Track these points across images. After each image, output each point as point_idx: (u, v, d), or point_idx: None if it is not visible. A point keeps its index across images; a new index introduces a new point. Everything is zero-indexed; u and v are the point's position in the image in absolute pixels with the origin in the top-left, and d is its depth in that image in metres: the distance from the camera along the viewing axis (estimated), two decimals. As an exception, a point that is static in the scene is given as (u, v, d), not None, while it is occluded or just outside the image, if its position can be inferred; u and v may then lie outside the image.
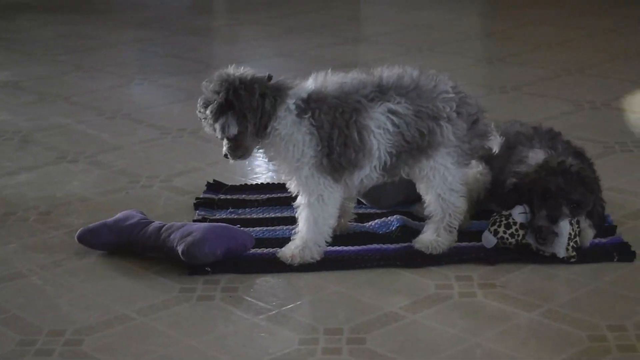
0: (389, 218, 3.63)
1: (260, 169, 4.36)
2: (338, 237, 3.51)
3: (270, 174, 4.28)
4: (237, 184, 4.13)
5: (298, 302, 3.17)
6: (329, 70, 3.36)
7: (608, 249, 3.41)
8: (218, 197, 3.97)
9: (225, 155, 3.35)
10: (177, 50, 6.71)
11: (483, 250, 3.40)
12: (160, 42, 7.04)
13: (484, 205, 3.67)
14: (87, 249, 3.55)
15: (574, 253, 3.33)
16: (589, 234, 3.40)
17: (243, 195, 3.98)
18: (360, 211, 3.75)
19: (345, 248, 3.47)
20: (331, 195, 3.33)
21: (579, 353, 2.82)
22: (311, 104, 3.27)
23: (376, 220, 3.64)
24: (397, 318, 3.05)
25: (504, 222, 3.37)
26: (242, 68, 3.32)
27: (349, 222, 3.62)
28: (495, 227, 3.37)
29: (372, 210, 3.76)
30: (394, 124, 3.28)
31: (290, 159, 3.29)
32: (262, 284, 3.29)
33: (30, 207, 3.99)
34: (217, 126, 3.24)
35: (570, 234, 3.32)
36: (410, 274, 3.32)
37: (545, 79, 5.68)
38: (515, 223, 3.36)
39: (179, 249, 3.31)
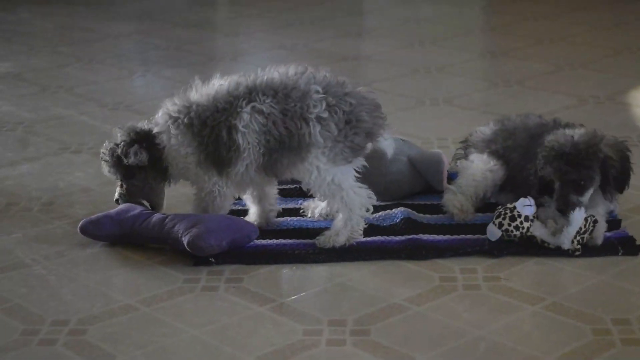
0: (393, 210, 3.63)
1: (263, 161, 4.34)
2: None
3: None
4: (240, 175, 4.11)
5: (302, 294, 3.16)
6: (211, 80, 3.53)
7: (613, 243, 3.40)
8: (221, 188, 3.96)
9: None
10: (178, 43, 6.70)
11: (488, 243, 3.39)
12: (162, 34, 7.03)
13: (494, 199, 3.68)
14: (90, 239, 3.54)
15: (579, 246, 3.32)
16: (601, 229, 3.39)
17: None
18: (364, 203, 3.75)
19: (349, 240, 3.47)
20: (220, 190, 3.47)
21: (583, 347, 2.81)
22: (181, 112, 3.44)
23: (380, 213, 3.63)
24: (402, 310, 3.04)
25: (509, 214, 3.36)
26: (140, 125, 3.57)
27: (275, 217, 3.66)
28: (500, 219, 3.37)
29: (376, 203, 3.74)
30: (259, 123, 3.32)
31: (180, 165, 3.48)
32: (266, 275, 3.29)
33: (33, 197, 3.99)
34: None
35: (580, 228, 3.31)
36: (414, 266, 3.32)
37: (548, 73, 5.67)
38: (520, 215, 3.35)
39: (184, 240, 3.31)
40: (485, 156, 3.67)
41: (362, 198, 3.41)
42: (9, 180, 4.20)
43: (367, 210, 3.43)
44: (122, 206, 3.59)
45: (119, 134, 3.60)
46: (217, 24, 7.68)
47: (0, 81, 5.78)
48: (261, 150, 3.35)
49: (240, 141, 3.34)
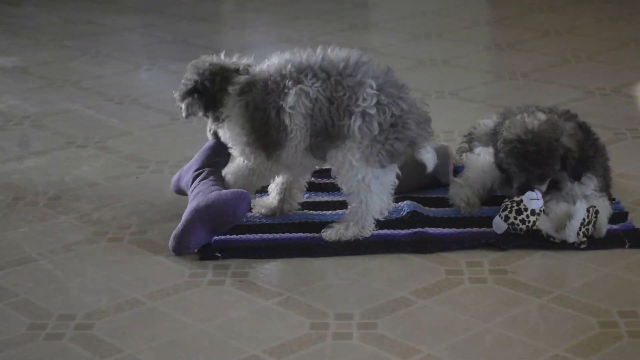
0: (399, 204, 3.62)
1: (269, 154, 4.34)
2: (348, 223, 3.52)
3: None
4: (247, 169, 4.12)
5: (308, 287, 3.17)
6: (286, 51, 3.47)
7: (619, 236, 3.40)
8: (227, 182, 3.97)
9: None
10: (184, 36, 6.70)
11: (494, 236, 3.39)
12: (168, 27, 7.02)
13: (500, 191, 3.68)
14: (97, 234, 3.56)
15: (585, 239, 3.32)
16: (603, 221, 3.39)
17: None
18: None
19: (355, 233, 3.47)
20: (262, 171, 3.49)
21: (590, 339, 2.81)
22: (245, 88, 3.42)
23: (386, 206, 3.63)
24: (408, 303, 3.04)
25: (515, 207, 3.36)
26: (222, 56, 3.60)
27: (297, 209, 3.65)
28: (506, 212, 3.37)
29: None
30: (305, 106, 3.31)
31: (233, 138, 3.49)
32: (272, 269, 3.29)
33: (39, 192, 3.99)
34: (183, 105, 3.60)
35: (584, 219, 3.31)
36: (420, 260, 3.32)
37: (554, 65, 5.66)
38: (526, 209, 3.35)
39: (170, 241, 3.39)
40: (490, 149, 3.67)
41: (384, 204, 3.40)
42: (15, 174, 4.21)
43: (382, 215, 3.42)
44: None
45: (203, 68, 3.58)
46: (223, 17, 7.68)
47: (6, 75, 5.79)
48: (308, 132, 3.33)
49: (288, 122, 3.32)
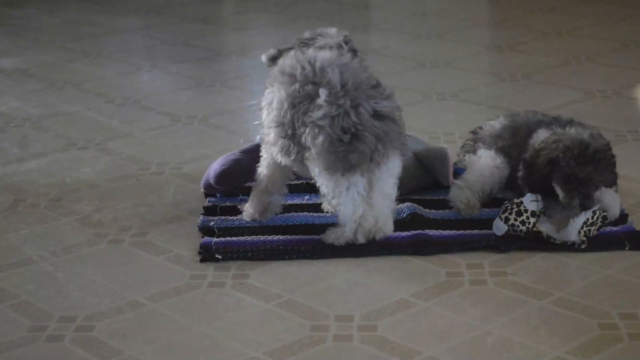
0: (399, 205, 3.62)
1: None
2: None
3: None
4: (247, 171, 4.12)
5: (309, 289, 3.17)
6: None
7: (619, 237, 3.40)
8: (228, 184, 3.97)
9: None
10: (185, 38, 6.70)
11: (494, 238, 3.39)
12: (169, 29, 7.03)
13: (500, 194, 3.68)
14: (97, 235, 3.56)
15: (585, 239, 3.32)
16: (615, 200, 3.43)
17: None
18: (371, 199, 3.75)
19: (355, 235, 3.47)
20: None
21: (590, 341, 2.82)
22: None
23: (387, 208, 3.63)
24: (408, 305, 3.04)
25: (515, 209, 3.36)
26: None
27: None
28: (506, 214, 3.37)
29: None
30: (276, 110, 3.34)
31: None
32: (272, 271, 3.30)
33: (40, 193, 3.99)
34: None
35: (587, 219, 3.31)
36: (420, 262, 3.32)
37: (555, 67, 5.66)
38: (526, 211, 3.35)
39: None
40: (492, 152, 3.67)
41: (358, 210, 3.33)
42: (16, 176, 4.21)
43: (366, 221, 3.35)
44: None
45: None
46: (224, 19, 7.68)
47: (7, 77, 5.79)
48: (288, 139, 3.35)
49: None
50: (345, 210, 3.33)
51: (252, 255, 3.37)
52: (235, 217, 3.63)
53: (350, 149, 3.20)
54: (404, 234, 3.46)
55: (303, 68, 3.28)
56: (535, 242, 3.37)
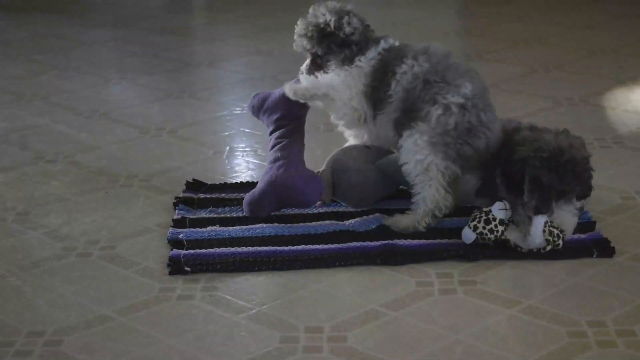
0: (369, 216, 3.63)
1: (240, 167, 4.35)
2: (318, 236, 3.52)
3: (250, 172, 4.27)
4: (217, 182, 4.11)
5: (278, 301, 3.16)
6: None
7: (587, 245, 3.42)
8: (198, 196, 3.96)
9: (301, 71, 3.89)
10: (154, 50, 6.68)
11: (463, 247, 3.40)
12: (138, 41, 7.01)
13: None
14: (66, 249, 3.54)
15: (550, 238, 3.33)
16: (571, 222, 3.42)
17: (223, 194, 3.96)
18: (341, 210, 3.76)
19: (325, 246, 3.46)
20: (361, 118, 3.75)
21: (559, 349, 2.83)
22: (385, 54, 3.67)
23: (356, 219, 3.64)
24: (378, 315, 3.05)
25: (484, 217, 3.37)
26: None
27: None
28: (474, 222, 3.38)
29: (352, 209, 3.76)
30: (407, 80, 3.57)
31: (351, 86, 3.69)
32: (242, 283, 3.29)
33: (8, 207, 3.96)
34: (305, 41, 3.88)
35: (547, 221, 3.34)
36: (390, 272, 3.32)
37: (522, 75, 5.69)
38: (494, 219, 3.37)
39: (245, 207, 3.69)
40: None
41: (440, 198, 3.53)
42: (-17, 190, 4.18)
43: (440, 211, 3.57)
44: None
45: (322, 11, 3.83)
46: (193, 30, 7.67)
47: (-26, 90, 5.76)
48: (400, 106, 3.59)
49: (393, 87, 3.60)
50: (426, 194, 3.52)
51: (221, 267, 3.36)
52: (204, 229, 3.62)
53: (467, 142, 3.51)
54: (373, 244, 3.46)
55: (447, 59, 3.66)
56: (504, 250, 3.38)
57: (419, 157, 3.51)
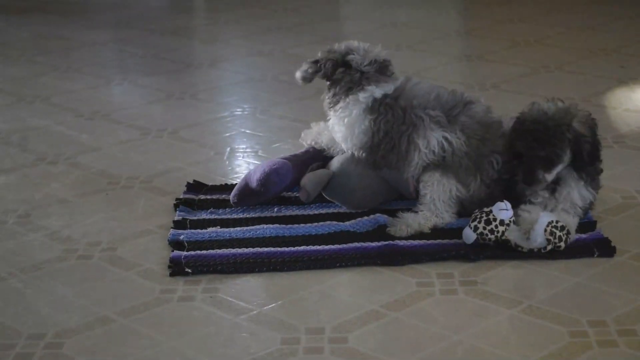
0: (369, 217, 3.63)
1: (241, 168, 4.35)
2: (319, 237, 3.52)
3: (250, 173, 4.27)
4: (218, 184, 4.11)
5: (279, 302, 3.16)
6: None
7: (588, 245, 3.41)
8: (198, 197, 3.96)
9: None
10: (155, 50, 6.69)
11: (464, 248, 3.40)
12: (139, 42, 7.01)
13: None
14: (67, 251, 3.54)
15: (551, 238, 3.33)
16: (571, 223, 3.42)
17: (223, 195, 3.96)
18: (341, 211, 3.76)
19: (326, 247, 3.46)
20: None
21: (560, 349, 2.83)
22: (380, 108, 3.63)
23: (357, 219, 3.64)
24: (379, 316, 3.04)
25: (484, 218, 3.37)
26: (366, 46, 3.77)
27: None
28: (475, 223, 3.38)
29: (352, 210, 3.76)
30: (443, 149, 3.57)
31: (341, 140, 3.73)
32: (242, 284, 3.29)
33: (9, 209, 3.96)
34: (305, 66, 3.76)
35: (552, 221, 3.34)
36: (391, 272, 3.32)
37: (523, 76, 5.69)
38: (495, 219, 3.36)
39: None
40: None
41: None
42: (-15, 192, 4.19)
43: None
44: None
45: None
46: (194, 31, 7.67)
47: (-24, 92, 5.77)
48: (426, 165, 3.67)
49: (415, 157, 3.63)
50: (436, 192, 3.57)
51: (222, 268, 3.36)
52: (205, 230, 3.62)
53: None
54: (374, 244, 3.46)
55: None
56: (505, 250, 3.38)
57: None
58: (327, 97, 3.77)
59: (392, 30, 7.16)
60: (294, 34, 7.06)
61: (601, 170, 3.60)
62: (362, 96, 3.64)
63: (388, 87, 3.67)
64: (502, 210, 3.37)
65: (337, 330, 2.96)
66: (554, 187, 3.50)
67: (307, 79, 3.75)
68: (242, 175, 4.17)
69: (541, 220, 3.35)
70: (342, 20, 7.99)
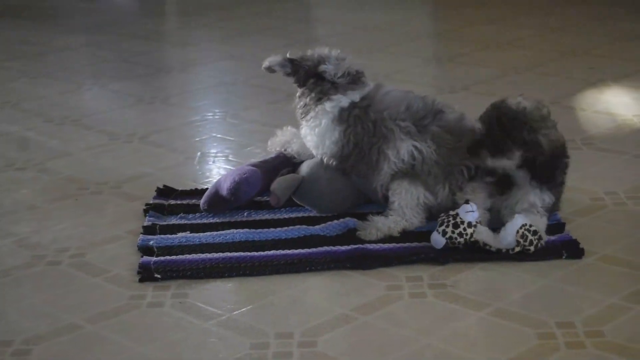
0: (339, 220, 3.64)
1: (211, 173, 4.34)
2: (289, 241, 3.52)
3: (220, 178, 4.26)
4: (188, 188, 4.10)
5: (249, 307, 3.16)
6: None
7: (557, 247, 3.43)
8: (168, 202, 3.95)
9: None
10: (127, 55, 6.67)
11: (433, 251, 3.41)
12: (110, 47, 6.99)
13: None
14: (35, 257, 3.53)
15: (521, 240, 3.34)
16: (540, 223, 3.44)
17: (193, 200, 3.95)
18: (311, 215, 3.76)
19: (295, 251, 3.46)
20: None
21: (528, 351, 2.83)
22: (349, 119, 3.64)
23: (327, 223, 3.64)
24: (348, 320, 3.05)
25: (452, 221, 3.38)
26: (334, 57, 3.76)
27: None
28: (443, 227, 3.39)
29: (322, 214, 3.76)
30: (413, 158, 3.57)
31: (313, 148, 3.74)
32: (212, 290, 3.28)
33: (-23, 216, 3.95)
34: (279, 60, 3.78)
35: (526, 224, 3.35)
36: (360, 276, 3.33)
37: (494, 77, 5.71)
38: (462, 222, 3.37)
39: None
40: None
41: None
42: (-47, 199, 4.16)
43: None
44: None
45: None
46: (166, 35, 7.66)
47: (-55, 98, 5.73)
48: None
49: (384, 167, 3.64)
50: (404, 200, 3.56)
51: (192, 273, 3.35)
52: (174, 236, 3.61)
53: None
54: (344, 248, 3.46)
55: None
56: (474, 253, 3.39)
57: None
58: (298, 107, 3.77)
59: (363, 33, 7.18)
60: (265, 38, 7.06)
61: (562, 183, 3.59)
62: (329, 106, 3.66)
63: (354, 95, 3.67)
64: (469, 212, 3.38)
65: (306, 335, 2.96)
66: (504, 188, 3.52)
67: (273, 71, 3.79)
68: (213, 181, 4.17)
69: (515, 222, 3.37)
70: (314, 22, 8.00)
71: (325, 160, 3.71)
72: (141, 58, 6.58)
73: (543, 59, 6.12)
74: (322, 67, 3.70)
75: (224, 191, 3.73)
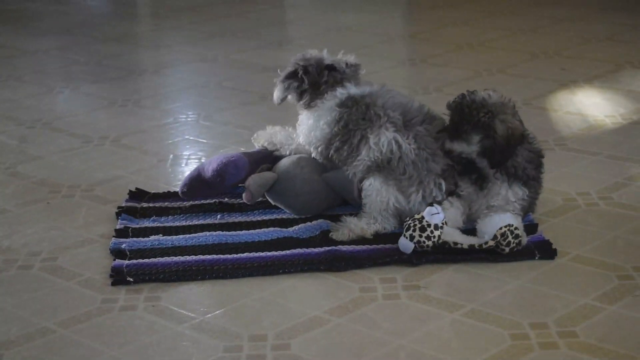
0: (312, 223, 3.63)
1: (184, 175, 4.31)
2: (262, 243, 3.52)
3: (193, 180, 4.24)
4: (160, 191, 4.08)
5: (222, 310, 3.15)
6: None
7: (530, 247, 3.44)
8: (141, 205, 3.93)
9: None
10: (98, 57, 6.63)
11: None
12: (82, 49, 6.95)
13: None
14: (6, 262, 3.50)
15: (499, 239, 3.35)
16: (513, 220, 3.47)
17: (166, 203, 3.94)
18: (284, 216, 3.75)
19: (269, 254, 3.46)
20: None
21: (502, 352, 2.84)
22: (347, 103, 3.70)
23: (300, 225, 3.63)
24: (322, 322, 3.04)
25: (419, 225, 3.37)
26: (325, 53, 3.85)
27: None
28: (410, 232, 3.37)
29: (295, 215, 3.75)
30: (391, 151, 3.58)
31: (305, 132, 3.78)
32: (185, 292, 3.27)
33: (-53, 220, 3.91)
34: (280, 84, 3.79)
35: (511, 224, 3.37)
36: (334, 278, 3.32)
37: (467, 79, 5.72)
38: (429, 225, 3.36)
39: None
40: None
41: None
42: None
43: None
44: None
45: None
46: (138, 37, 7.62)
47: None
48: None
49: (363, 153, 3.66)
50: (374, 202, 3.58)
51: (165, 276, 3.33)
52: (147, 239, 3.60)
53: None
54: (317, 250, 3.46)
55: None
56: (447, 254, 3.39)
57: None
58: (303, 99, 3.78)
59: (336, 35, 7.17)
60: (238, 40, 7.04)
61: (535, 179, 3.61)
62: (340, 92, 3.72)
63: (364, 89, 3.74)
64: (434, 214, 3.38)
65: (280, 337, 2.96)
66: (480, 183, 3.55)
67: (285, 98, 3.80)
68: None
69: (503, 217, 3.37)
70: (286, 24, 7.98)
71: (312, 146, 3.75)
72: (113, 60, 6.55)
73: (515, 60, 6.14)
74: (332, 60, 3.79)
75: (209, 173, 3.74)
